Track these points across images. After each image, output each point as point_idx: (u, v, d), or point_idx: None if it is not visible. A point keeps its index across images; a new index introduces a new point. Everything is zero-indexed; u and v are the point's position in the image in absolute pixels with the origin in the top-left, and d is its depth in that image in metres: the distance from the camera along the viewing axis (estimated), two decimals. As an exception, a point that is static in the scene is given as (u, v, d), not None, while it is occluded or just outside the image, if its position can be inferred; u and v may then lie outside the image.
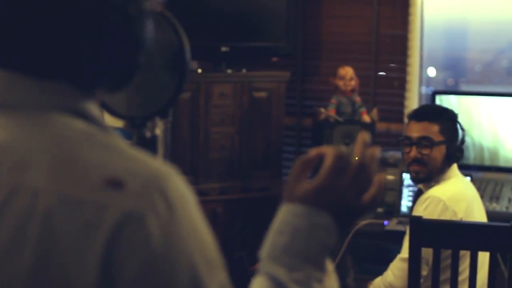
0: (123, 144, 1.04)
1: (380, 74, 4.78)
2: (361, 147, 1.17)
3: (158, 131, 1.54)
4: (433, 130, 3.37)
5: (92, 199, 0.97)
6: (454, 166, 3.39)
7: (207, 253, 1.02)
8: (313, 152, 1.18)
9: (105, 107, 1.20)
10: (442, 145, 3.35)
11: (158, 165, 1.01)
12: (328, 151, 1.16)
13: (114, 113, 1.48)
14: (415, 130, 3.40)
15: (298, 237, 1.14)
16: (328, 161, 1.16)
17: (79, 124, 1.03)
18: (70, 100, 1.05)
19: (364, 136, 1.17)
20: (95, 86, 1.08)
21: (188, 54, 1.56)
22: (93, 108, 1.07)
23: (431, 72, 4.88)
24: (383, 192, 1.23)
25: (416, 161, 3.37)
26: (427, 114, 3.43)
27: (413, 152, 3.38)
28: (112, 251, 0.95)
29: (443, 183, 3.34)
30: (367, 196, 1.16)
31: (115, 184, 0.97)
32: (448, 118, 3.41)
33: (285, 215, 1.16)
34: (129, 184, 0.97)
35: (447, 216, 3.18)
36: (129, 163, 1.00)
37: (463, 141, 3.41)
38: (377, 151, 1.17)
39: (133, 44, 1.07)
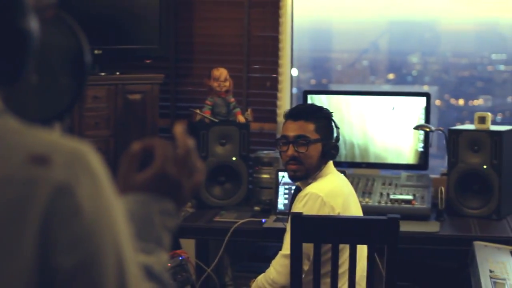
0: (35, 128, 1.05)
1: (252, 75, 4.84)
2: (182, 137, 1.29)
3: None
4: (309, 128, 3.46)
5: (20, 176, 0.99)
6: (330, 163, 3.49)
7: (124, 226, 1.07)
8: (137, 145, 1.28)
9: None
10: (318, 143, 3.44)
11: (76, 142, 1.04)
12: (156, 143, 1.27)
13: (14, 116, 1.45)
14: (292, 129, 3.48)
15: (146, 224, 1.23)
16: (158, 151, 1.26)
17: None
18: None
19: (181, 127, 1.30)
20: None
21: (87, 58, 1.55)
22: None
23: (294, 72, 4.99)
24: (204, 176, 1.34)
25: (293, 159, 3.45)
26: (302, 113, 3.51)
27: (290, 151, 3.45)
28: (47, 224, 0.98)
29: (320, 180, 3.43)
30: (195, 179, 1.29)
31: (41, 159, 1.00)
32: (323, 117, 3.50)
33: (128, 205, 1.24)
34: (55, 159, 1.00)
35: (325, 212, 3.27)
36: (48, 141, 1.03)
37: (338, 138, 3.51)
38: (193, 140, 1.30)
39: (11, 35, 1.08)
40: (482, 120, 4.18)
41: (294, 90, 4.98)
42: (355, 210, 3.41)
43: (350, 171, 4.37)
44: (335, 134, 3.49)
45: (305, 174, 3.45)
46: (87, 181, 1.01)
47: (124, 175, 1.27)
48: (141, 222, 1.22)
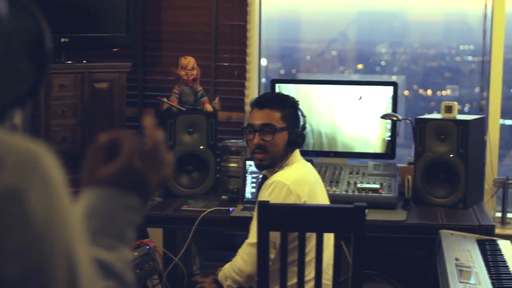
0: None
1: (220, 64, 4.83)
2: (151, 129, 1.26)
3: (18, 120, 1.52)
4: (275, 117, 3.46)
5: None
6: (297, 152, 3.49)
7: (77, 229, 1.04)
8: (104, 137, 1.25)
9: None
10: (284, 132, 3.44)
11: (31, 143, 1.01)
12: (123, 135, 1.24)
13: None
14: (258, 118, 3.48)
15: (109, 219, 1.20)
16: (125, 144, 1.23)
17: None
18: None
19: (150, 120, 1.27)
20: None
21: (48, 43, 1.53)
22: None
23: (263, 62, 4.98)
24: (173, 169, 1.32)
25: (259, 147, 3.45)
26: (268, 101, 3.51)
27: (256, 139, 3.45)
28: None
29: (286, 168, 3.43)
30: (162, 173, 1.26)
31: None
32: (289, 105, 3.50)
33: (92, 199, 1.21)
34: (5, 162, 0.96)
35: (291, 200, 3.27)
36: (2, 142, 0.99)
37: (304, 127, 3.51)
38: (162, 133, 1.27)
39: None
40: (449, 109, 4.20)
41: (263, 80, 4.98)
42: (321, 198, 3.42)
43: (317, 160, 4.38)
44: (301, 123, 3.49)
45: (271, 163, 3.45)
46: (38, 186, 0.97)
47: (89, 168, 1.24)
48: (105, 218, 1.20)
